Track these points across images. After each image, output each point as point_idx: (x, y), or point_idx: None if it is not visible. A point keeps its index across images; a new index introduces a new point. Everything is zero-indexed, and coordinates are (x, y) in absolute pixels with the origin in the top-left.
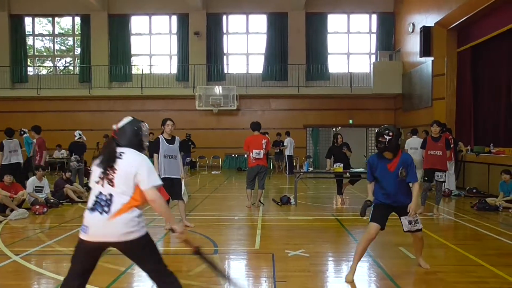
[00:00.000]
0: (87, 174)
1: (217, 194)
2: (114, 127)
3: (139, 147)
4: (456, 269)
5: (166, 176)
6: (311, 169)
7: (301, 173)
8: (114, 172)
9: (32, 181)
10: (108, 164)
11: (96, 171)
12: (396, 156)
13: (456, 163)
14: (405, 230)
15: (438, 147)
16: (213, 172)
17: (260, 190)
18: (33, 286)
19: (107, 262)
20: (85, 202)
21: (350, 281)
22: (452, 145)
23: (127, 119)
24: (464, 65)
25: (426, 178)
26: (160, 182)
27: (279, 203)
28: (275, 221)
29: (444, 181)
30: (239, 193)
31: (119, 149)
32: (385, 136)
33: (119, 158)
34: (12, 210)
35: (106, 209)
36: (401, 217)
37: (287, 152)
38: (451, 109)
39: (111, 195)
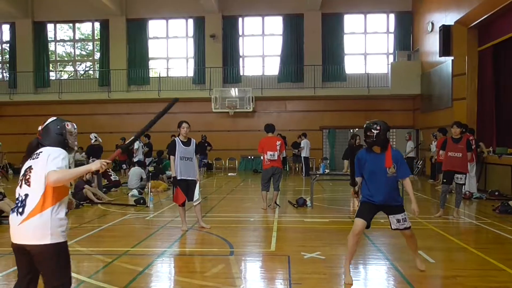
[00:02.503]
0: (106, 176)
1: (233, 195)
2: (39, 128)
3: (63, 146)
4: (477, 274)
5: (182, 177)
6: (327, 171)
7: (317, 175)
8: (30, 172)
9: None
10: (25, 163)
11: (21, 173)
12: (386, 150)
13: (477, 165)
14: (393, 228)
15: (459, 149)
16: (229, 174)
17: (276, 192)
18: None
19: (125, 262)
20: (105, 203)
21: (350, 282)
22: (473, 146)
23: (50, 119)
24: (485, 64)
25: (445, 180)
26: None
27: (295, 205)
28: (291, 223)
29: (464, 184)
30: (255, 195)
31: (39, 149)
32: (373, 130)
33: (37, 158)
34: None
35: (20, 210)
36: (389, 216)
37: (303, 153)
38: (472, 110)
39: (26, 195)
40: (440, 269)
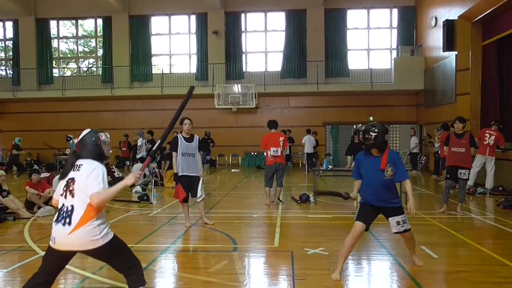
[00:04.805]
0: (109, 172)
1: (236, 192)
2: (75, 141)
3: (100, 156)
4: (480, 269)
5: (184, 174)
6: (330, 167)
7: (320, 171)
8: (73, 184)
9: (58, 180)
10: (66, 176)
11: (61, 184)
12: (384, 153)
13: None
14: (393, 231)
15: (462, 144)
16: (232, 170)
17: (279, 188)
18: (60, 281)
19: None
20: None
21: (337, 279)
22: (486, 142)
23: (85, 131)
24: (489, 58)
25: (448, 176)
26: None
27: (298, 201)
28: (294, 219)
29: (468, 179)
30: (258, 191)
31: (79, 162)
32: (371, 133)
33: (78, 170)
34: (39, 207)
35: (67, 220)
36: (389, 218)
37: (306, 150)
38: (476, 105)
39: (72, 206)
40: (443, 264)
